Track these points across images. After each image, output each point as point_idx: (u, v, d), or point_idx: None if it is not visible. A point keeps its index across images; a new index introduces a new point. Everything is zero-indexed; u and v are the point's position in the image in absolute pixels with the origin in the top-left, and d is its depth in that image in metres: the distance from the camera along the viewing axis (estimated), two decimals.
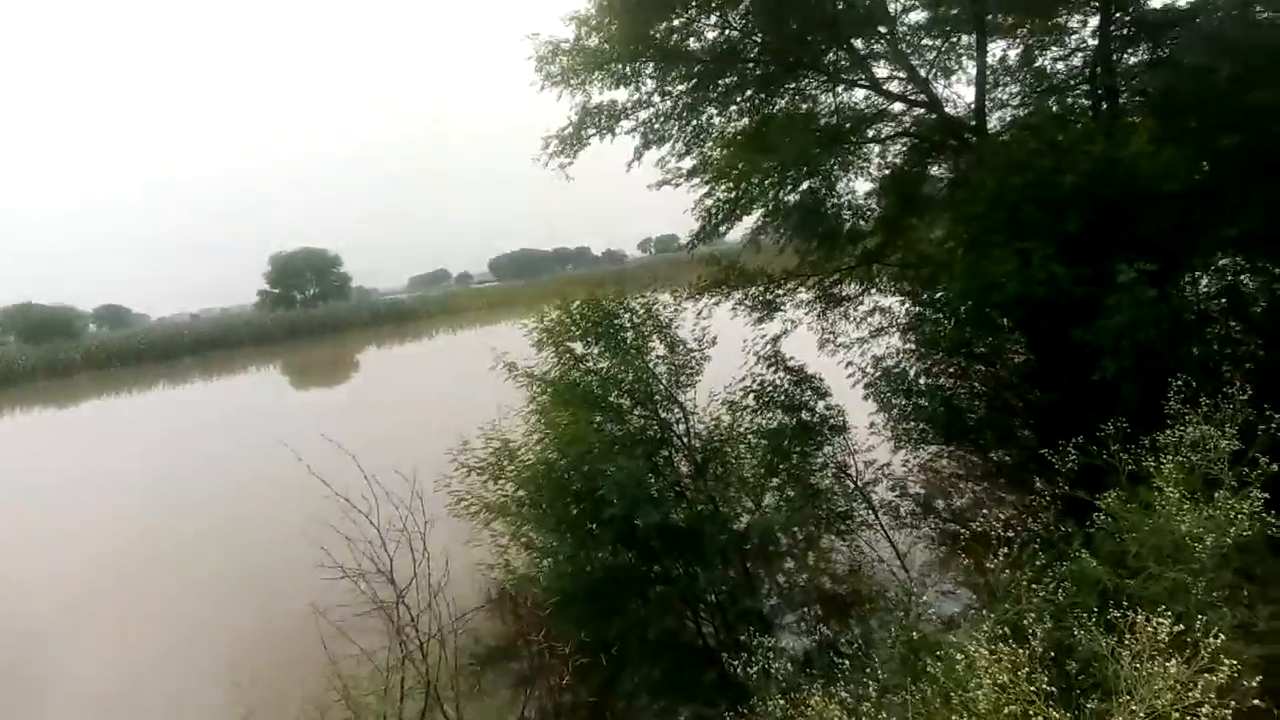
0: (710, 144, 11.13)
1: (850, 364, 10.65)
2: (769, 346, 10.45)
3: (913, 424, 9.95)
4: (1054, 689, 3.26)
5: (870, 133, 10.85)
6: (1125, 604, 3.70)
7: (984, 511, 3.80)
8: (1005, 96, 10.64)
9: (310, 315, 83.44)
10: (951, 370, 9.92)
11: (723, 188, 10.78)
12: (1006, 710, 3.18)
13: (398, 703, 3.87)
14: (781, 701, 4.14)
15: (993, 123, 10.11)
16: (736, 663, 4.85)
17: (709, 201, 11.11)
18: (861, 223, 11.34)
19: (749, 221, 11.47)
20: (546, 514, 8.81)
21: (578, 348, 9.61)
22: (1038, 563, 4.06)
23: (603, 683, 6.96)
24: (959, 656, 3.49)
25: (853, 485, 9.57)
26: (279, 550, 13.68)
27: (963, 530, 8.07)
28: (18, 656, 11.86)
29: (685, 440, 9.08)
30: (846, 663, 4.35)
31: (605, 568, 8.49)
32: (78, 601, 13.89)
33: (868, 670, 4.17)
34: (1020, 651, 3.32)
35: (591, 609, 7.76)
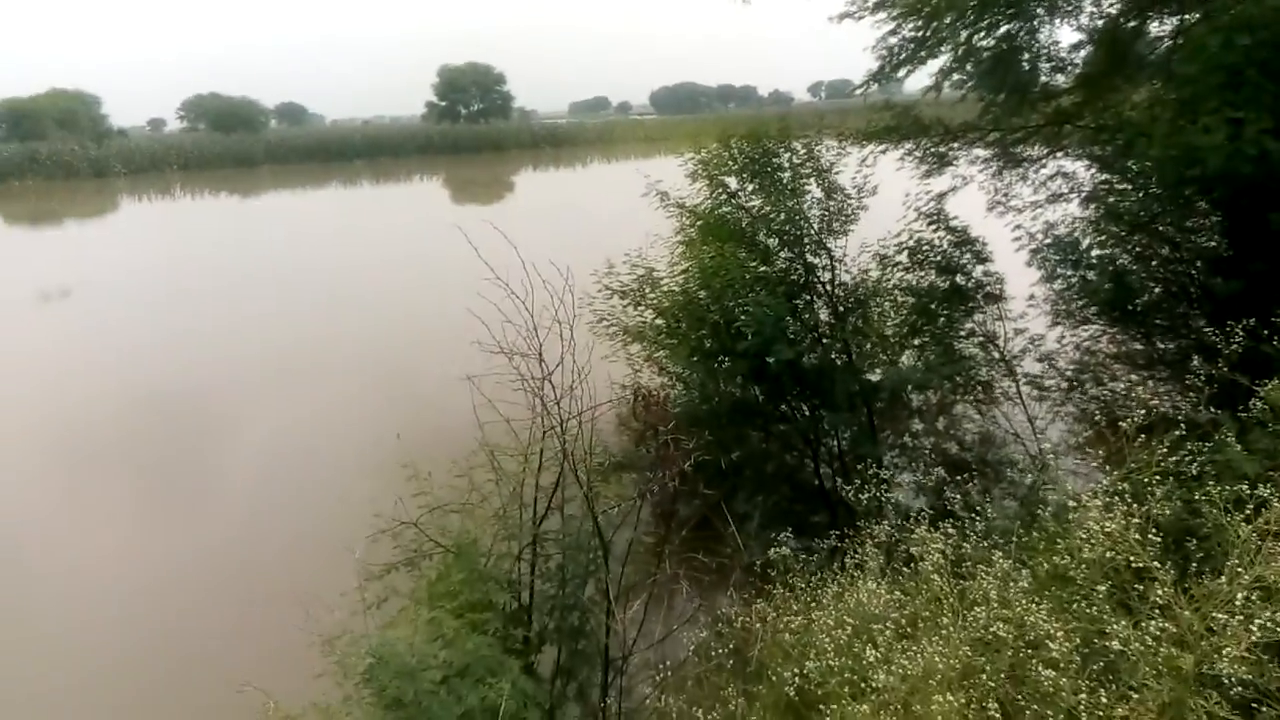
0: None
1: (1019, 228, 10.08)
2: (933, 203, 9.97)
3: (1076, 299, 9.45)
4: (1164, 550, 3.27)
5: None
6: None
7: (1136, 395, 3.67)
8: None
9: (473, 131, 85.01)
10: (1131, 247, 9.24)
11: (910, 24, 10.01)
12: (1110, 558, 3.25)
13: (536, 470, 4.29)
14: (888, 528, 4.34)
15: None
16: (848, 495, 5.02)
17: (893, 40, 10.36)
18: (1060, 77, 10.36)
19: (931, 67, 10.69)
20: (682, 342, 9.11)
21: (732, 183, 9.52)
22: (1177, 434, 3.94)
23: (718, 497, 7.38)
24: (1071, 504, 3.54)
25: (999, 355, 9.29)
26: (441, 329, 14.92)
27: (1108, 412, 7.79)
28: (219, 413, 13.63)
29: (829, 287, 9.01)
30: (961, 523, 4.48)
31: (733, 399, 8.79)
32: (256, 366, 15.61)
33: (977, 510, 4.27)
34: (1136, 509, 3.33)
35: (715, 436, 8.14)
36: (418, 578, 4.41)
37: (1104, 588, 3.33)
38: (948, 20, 9.46)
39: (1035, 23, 9.90)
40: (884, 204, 9.52)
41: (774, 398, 8.78)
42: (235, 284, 23.64)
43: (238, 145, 71.75)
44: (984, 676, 3.21)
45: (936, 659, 3.21)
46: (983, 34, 9.77)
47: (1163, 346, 8.91)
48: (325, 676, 3.78)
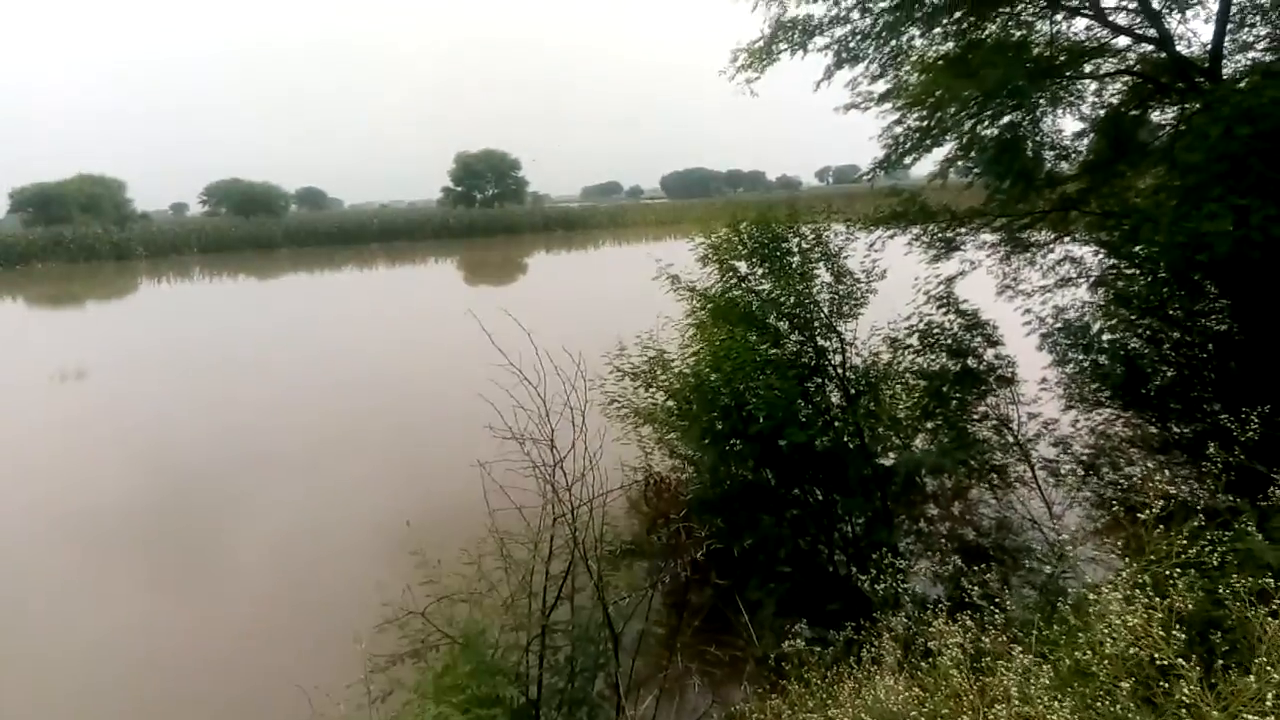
0: (908, 67, 10.55)
1: (1029, 312, 10.13)
2: (942, 286, 10.06)
3: (1089, 383, 9.42)
4: (1188, 644, 3.18)
5: (1088, 68, 9.96)
6: None
7: (1153, 482, 3.61)
8: (1250, 38, 9.49)
9: (487, 215, 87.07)
10: (1141, 331, 9.26)
11: (915, 115, 10.27)
12: (1133, 653, 3.15)
13: (546, 558, 4.24)
14: (905, 619, 4.24)
15: (1229, 68, 9.06)
16: (863, 585, 4.93)
17: (898, 129, 10.62)
18: (1064, 165, 10.57)
19: (937, 155, 10.94)
20: (693, 425, 9.10)
21: (742, 267, 9.66)
22: (1196, 524, 3.88)
23: (730, 585, 7.25)
24: (1091, 597, 3.46)
25: (1013, 439, 9.22)
26: (454, 412, 15.01)
27: (1125, 499, 7.68)
28: (227, 493, 13.60)
29: (840, 370, 9.04)
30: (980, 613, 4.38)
31: (745, 483, 8.73)
32: (265, 449, 15.62)
33: (996, 602, 4.18)
34: (1159, 602, 3.25)
35: (726, 521, 8.05)
36: (424, 669, 4.32)
37: (1127, 685, 3.23)
38: (951, 110, 9.71)
39: (1038, 113, 10.16)
40: (893, 287, 9.63)
41: (787, 481, 8.72)
42: (248, 365, 23.88)
43: (257, 229, 73.61)
44: None
45: None
46: (986, 123, 10.01)
47: (1178, 431, 8.82)
48: None
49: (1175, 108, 9.63)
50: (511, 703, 3.98)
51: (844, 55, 10.46)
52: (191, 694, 7.80)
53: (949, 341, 9.62)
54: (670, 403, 9.72)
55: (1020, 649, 3.63)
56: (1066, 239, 10.57)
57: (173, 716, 7.48)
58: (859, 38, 10.34)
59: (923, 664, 4.05)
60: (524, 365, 4.40)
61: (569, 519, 4.10)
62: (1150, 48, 9.52)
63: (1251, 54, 9.39)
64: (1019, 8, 10.05)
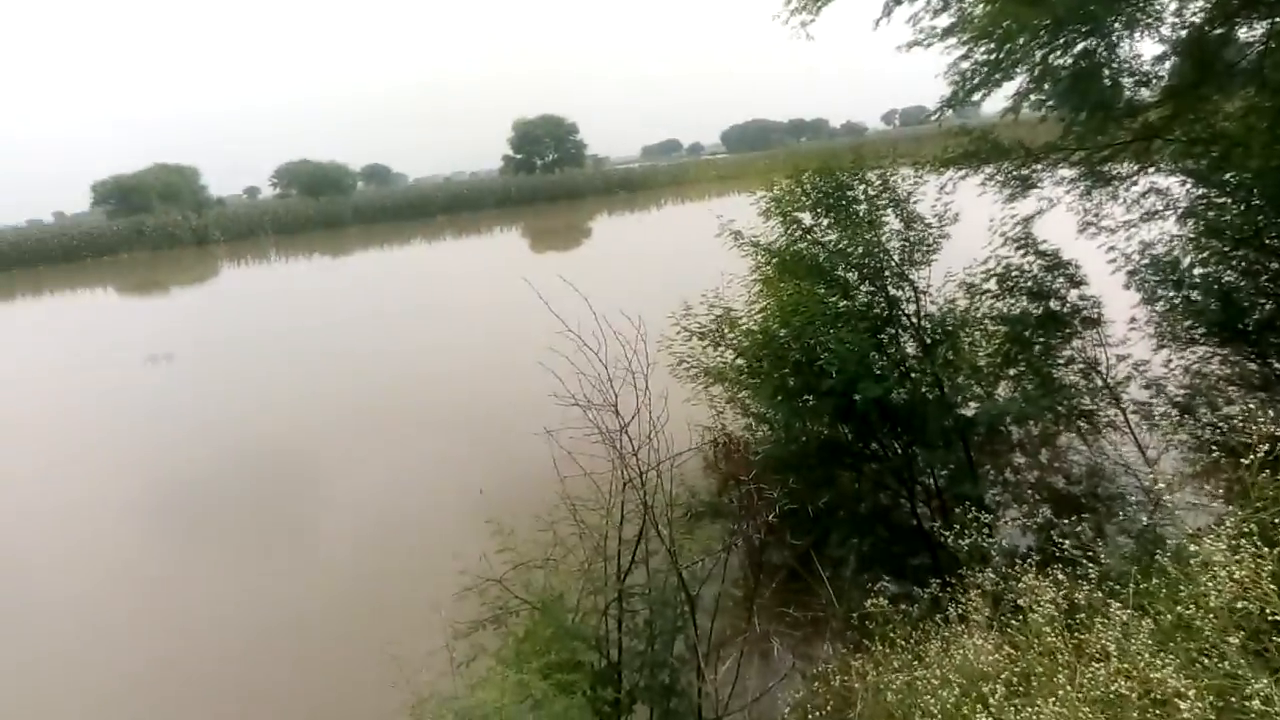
0: None
1: (1113, 249, 9.63)
2: (1019, 227, 9.63)
3: (1181, 320, 8.94)
4: None
5: None
6: None
7: (1256, 423, 3.35)
8: None
9: (548, 180, 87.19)
10: (1236, 263, 8.71)
11: (982, 48, 9.75)
12: (1241, 606, 2.97)
13: (618, 523, 4.23)
14: (993, 575, 4.09)
15: None
16: (948, 540, 4.77)
17: (965, 64, 10.11)
18: (1144, 92, 9.92)
19: (1007, 89, 10.39)
20: (763, 382, 8.95)
21: (806, 218, 9.40)
22: None
23: (809, 544, 7.16)
24: (1193, 547, 3.26)
25: (1102, 382, 8.83)
26: (522, 381, 15.19)
27: (1226, 441, 7.28)
28: (306, 468, 14.06)
29: (914, 320, 8.75)
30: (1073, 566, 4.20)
31: (820, 439, 8.57)
32: (345, 423, 16.06)
33: (1089, 554, 4.00)
34: (1267, 551, 3.04)
35: (802, 478, 7.92)
36: (505, 635, 4.37)
37: (1236, 639, 3.04)
38: (1021, 41, 9.18)
39: (1113, 38, 9.52)
40: (967, 231, 9.26)
41: (863, 436, 8.53)
42: (325, 345, 24.49)
43: (327, 208, 75.30)
44: None
45: None
46: (1059, 53, 9.44)
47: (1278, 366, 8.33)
48: None
49: (1265, 22, 8.91)
50: (592, 666, 4.00)
51: None
52: (283, 657, 8.12)
53: (1029, 284, 9.22)
54: (739, 361, 9.58)
55: (1117, 603, 3.45)
56: (1150, 170, 9.98)
57: (267, 679, 7.78)
58: None
59: (1013, 621, 3.91)
60: (586, 331, 4.36)
61: (638, 483, 4.06)
62: None
63: None
64: None
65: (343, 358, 22.10)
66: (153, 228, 66.23)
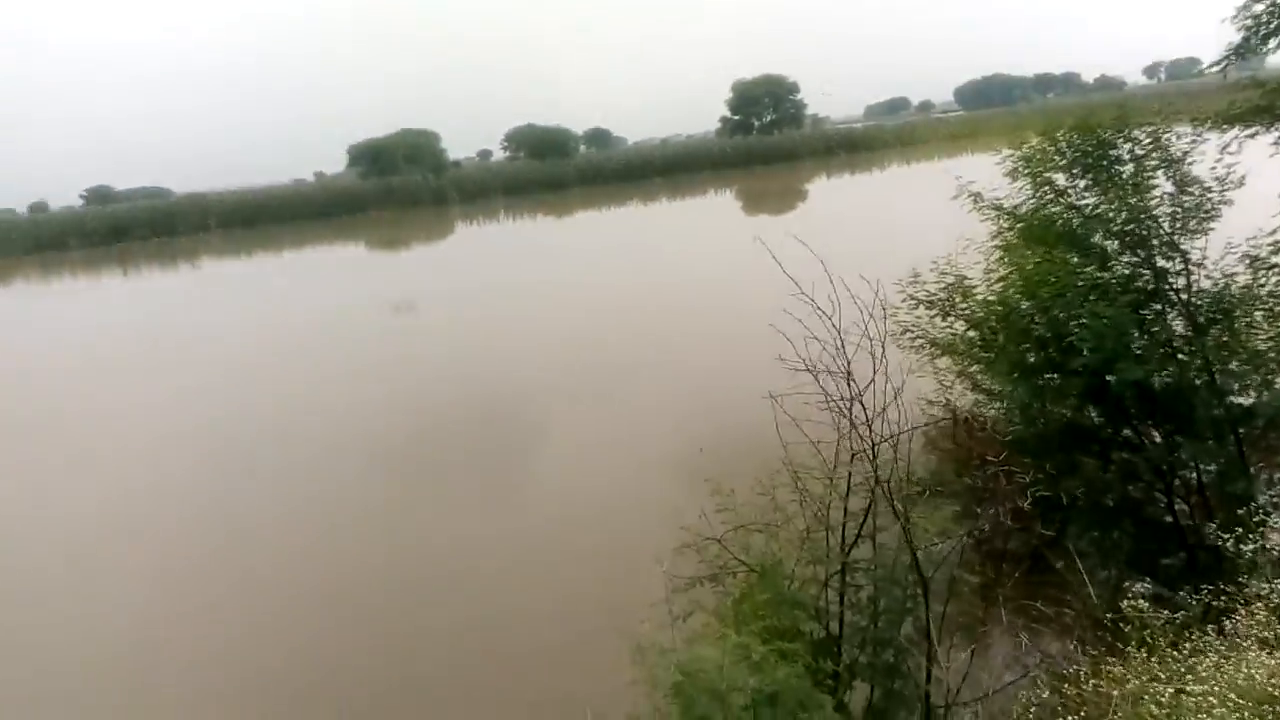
0: None
1: None
2: None
3: None
4: None
5: None
6: None
7: None
8: None
9: (764, 142, 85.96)
10: None
11: None
12: None
13: (844, 494, 4.06)
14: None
15: None
16: (1224, 544, 4.18)
17: (1258, 7, 8.82)
18: None
19: None
20: (999, 357, 8.33)
21: (1059, 180, 8.56)
22: None
23: (1052, 536, 6.60)
24: None
25: None
26: (742, 343, 15.24)
27: None
28: (527, 405, 14.85)
29: (1184, 295, 7.74)
30: None
31: (1063, 422, 7.85)
32: (570, 375, 16.76)
33: None
34: None
35: (1041, 463, 7.30)
36: (721, 595, 4.35)
37: None
38: None
39: None
40: (1253, 197, 8.04)
41: (1115, 421, 7.71)
42: (550, 299, 25.64)
43: (551, 170, 78.68)
44: None
45: None
46: None
47: None
48: (636, 685, 3.82)
49: None
50: (810, 636, 3.88)
51: None
52: (508, 607, 8.62)
53: None
54: (971, 333, 8.96)
55: None
56: None
57: (498, 626, 8.28)
58: None
59: None
60: (813, 294, 4.18)
61: (869, 455, 3.85)
62: None
63: None
64: None
65: (566, 310, 22.96)
66: (398, 187, 72.34)
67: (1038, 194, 8.70)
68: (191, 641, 8.50)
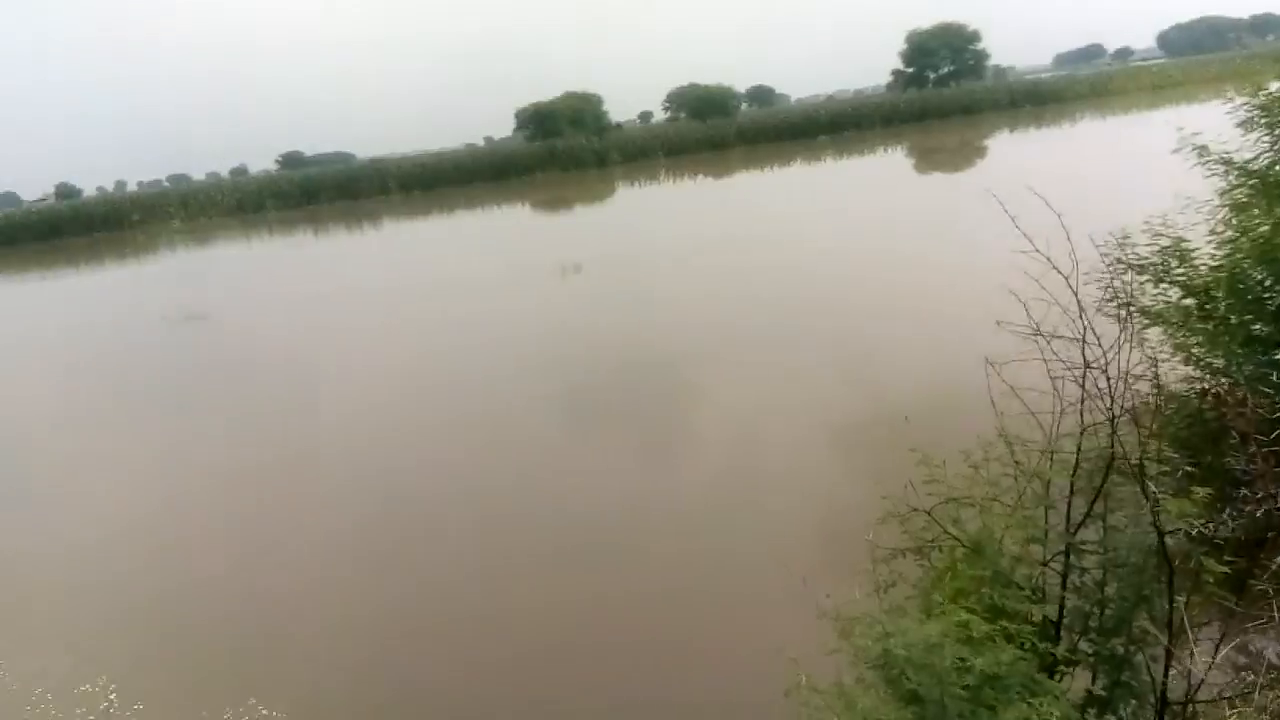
0: None
1: None
2: None
3: None
4: None
5: None
6: None
7: None
8: None
9: (941, 95, 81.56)
10: None
11: None
12: None
13: (1071, 469, 3.82)
14: None
15: None
16: None
17: None
18: None
19: None
20: (1219, 328, 7.60)
21: None
22: None
23: None
24: None
25: None
26: (955, 303, 14.88)
27: None
28: (676, 368, 14.94)
29: None
30: None
31: None
32: (762, 337, 16.70)
33: None
34: None
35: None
36: (926, 568, 4.23)
37: None
38: None
39: None
40: None
41: None
42: (717, 261, 25.54)
43: (712, 130, 78.08)
44: None
45: None
46: None
47: None
48: (837, 654, 3.79)
49: None
50: (1026, 618, 3.70)
51: None
52: (686, 555, 8.78)
53: None
54: (1188, 300, 8.20)
55: None
56: None
57: (684, 579, 8.47)
58: None
59: None
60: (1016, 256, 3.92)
61: (1109, 428, 3.59)
62: None
63: None
64: None
65: (737, 275, 22.76)
66: (562, 150, 74.06)
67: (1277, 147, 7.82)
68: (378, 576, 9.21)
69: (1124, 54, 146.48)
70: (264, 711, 5.24)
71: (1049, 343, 3.86)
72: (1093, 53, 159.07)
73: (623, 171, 68.31)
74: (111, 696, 4.92)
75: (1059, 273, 3.85)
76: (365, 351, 19.83)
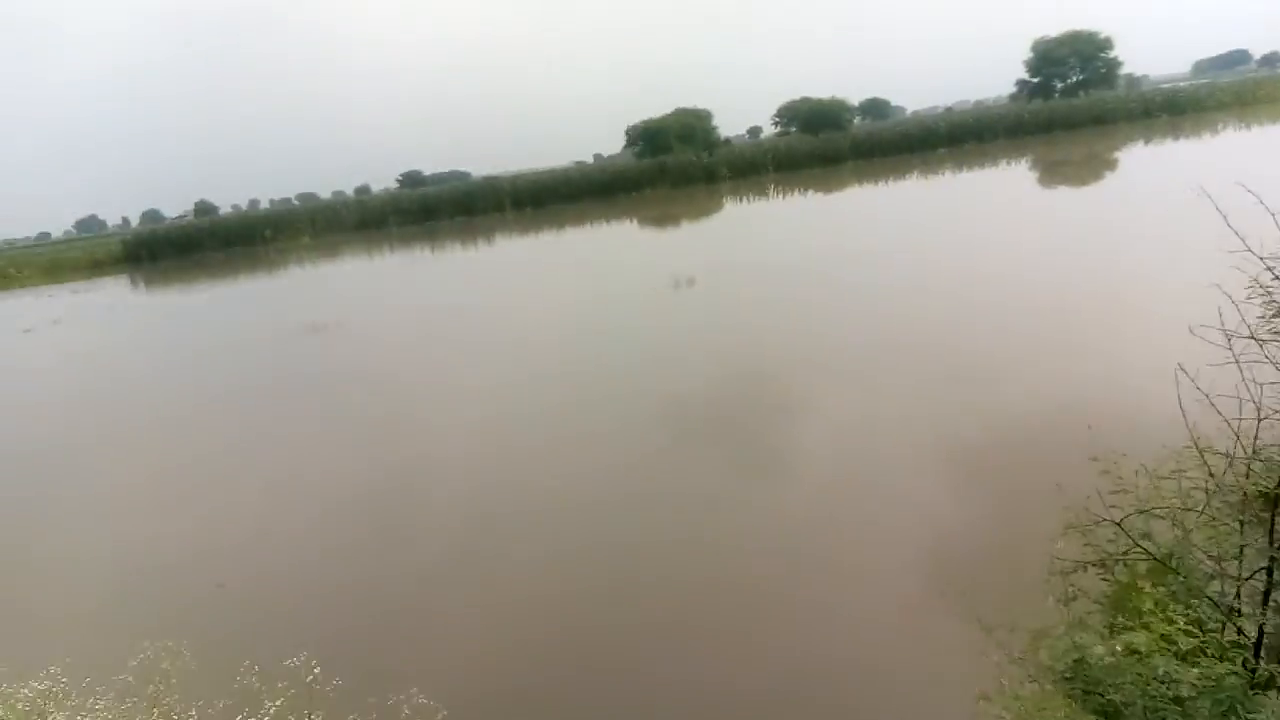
0: None
1: None
2: None
3: None
4: None
5: None
6: None
7: None
8: None
9: (1069, 105, 78.00)
10: None
11: None
12: None
13: (1276, 481, 3.58)
14: None
15: None
16: None
17: None
18: None
19: None
20: None
21: None
22: None
23: None
24: None
25: None
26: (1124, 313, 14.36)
27: None
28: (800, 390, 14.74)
29: None
30: None
31: None
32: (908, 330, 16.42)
33: None
34: None
35: None
36: (1110, 582, 4.03)
37: None
38: None
39: None
40: None
41: None
42: (829, 277, 25.19)
43: (824, 144, 77.04)
44: None
45: None
46: None
47: None
48: (1000, 666, 3.67)
49: None
50: (1220, 636, 3.47)
51: None
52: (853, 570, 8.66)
53: None
54: None
55: None
56: None
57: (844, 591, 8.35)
58: None
59: None
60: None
61: None
62: None
63: None
64: None
65: (868, 291, 22.39)
66: (671, 166, 74.60)
67: None
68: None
69: (1271, 60, 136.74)
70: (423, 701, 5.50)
71: (1260, 347, 3.63)
72: (1236, 59, 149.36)
73: (731, 186, 68.18)
74: (315, 670, 5.24)
75: (1267, 267, 3.63)
76: (494, 360, 20.46)
